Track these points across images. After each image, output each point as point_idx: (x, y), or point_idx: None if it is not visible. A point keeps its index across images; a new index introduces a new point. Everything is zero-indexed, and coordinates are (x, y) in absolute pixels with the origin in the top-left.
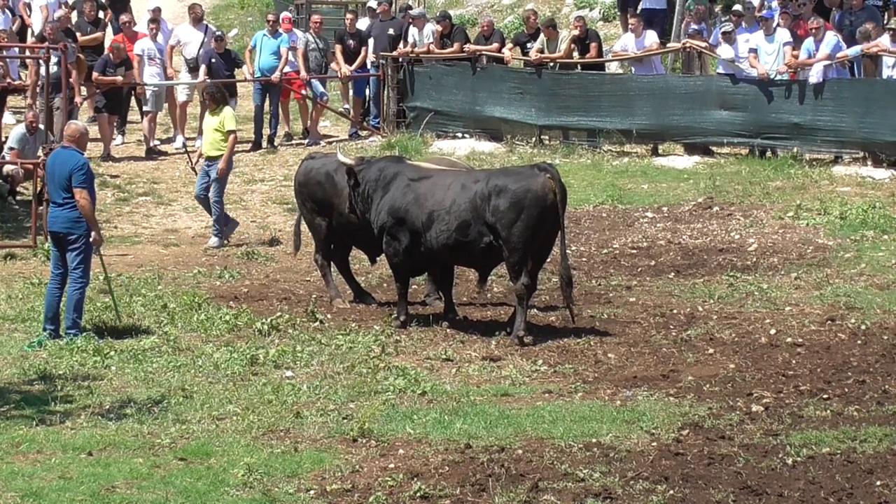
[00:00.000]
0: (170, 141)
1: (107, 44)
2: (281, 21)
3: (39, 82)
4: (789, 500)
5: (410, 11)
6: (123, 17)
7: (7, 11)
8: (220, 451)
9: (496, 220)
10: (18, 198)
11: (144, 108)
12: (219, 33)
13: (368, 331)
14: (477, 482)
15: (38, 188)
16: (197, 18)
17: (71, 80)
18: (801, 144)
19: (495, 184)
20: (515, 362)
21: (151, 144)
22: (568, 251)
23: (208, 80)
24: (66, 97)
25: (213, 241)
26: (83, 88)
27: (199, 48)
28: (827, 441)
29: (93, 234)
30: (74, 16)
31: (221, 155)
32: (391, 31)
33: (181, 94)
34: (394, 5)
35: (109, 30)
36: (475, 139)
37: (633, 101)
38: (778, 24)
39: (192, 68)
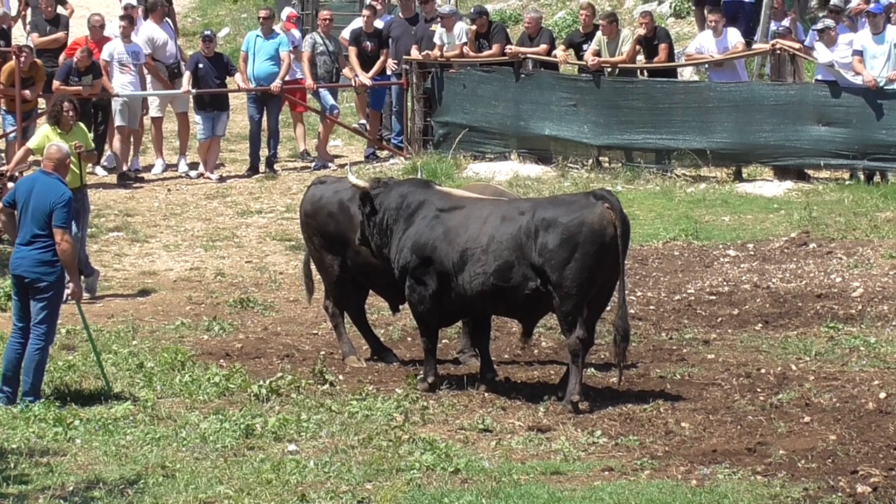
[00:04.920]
0: (150, 168)
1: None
2: (286, 19)
3: None
4: None
5: (439, 9)
6: (94, 18)
7: None
8: None
9: (544, 260)
10: None
11: (116, 125)
12: (208, 33)
13: (389, 395)
14: None
15: None
16: (163, 15)
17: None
18: None
19: (543, 216)
20: (568, 433)
21: (124, 169)
22: (629, 298)
23: (193, 91)
24: (21, 112)
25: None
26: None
27: (176, 50)
28: None
29: (72, 285)
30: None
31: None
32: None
33: (153, 110)
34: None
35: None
36: (519, 161)
37: (711, 115)
38: (889, 20)
39: (175, 74)
